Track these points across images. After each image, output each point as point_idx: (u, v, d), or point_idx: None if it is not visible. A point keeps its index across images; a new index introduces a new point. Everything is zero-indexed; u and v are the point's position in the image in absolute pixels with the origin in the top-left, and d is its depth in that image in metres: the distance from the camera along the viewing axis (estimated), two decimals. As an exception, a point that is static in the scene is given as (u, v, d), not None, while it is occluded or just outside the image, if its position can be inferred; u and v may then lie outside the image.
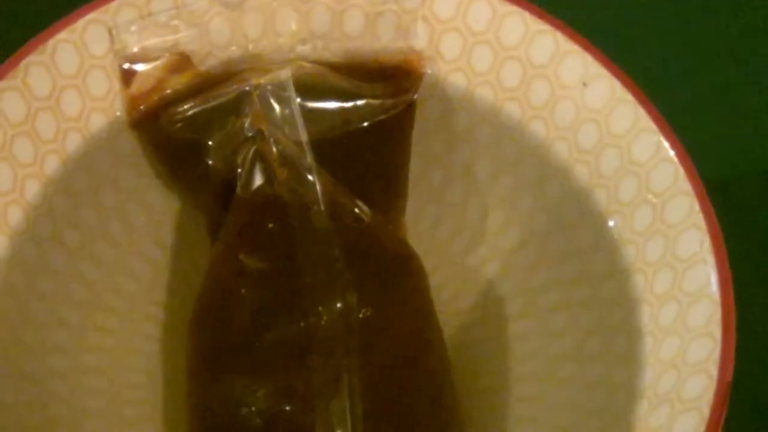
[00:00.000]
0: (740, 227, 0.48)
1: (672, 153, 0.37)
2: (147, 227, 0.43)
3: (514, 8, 0.40)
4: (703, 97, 0.55)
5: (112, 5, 0.39)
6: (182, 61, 0.40)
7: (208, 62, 0.41)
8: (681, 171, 0.36)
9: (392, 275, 0.40)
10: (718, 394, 0.33)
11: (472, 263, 0.44)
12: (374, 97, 0.40)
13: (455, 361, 0.41)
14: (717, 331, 0.34)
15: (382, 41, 0.41)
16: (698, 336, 0.34)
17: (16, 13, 0.54)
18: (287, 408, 0.38)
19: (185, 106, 0.40)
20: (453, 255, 0.44)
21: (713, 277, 0.35)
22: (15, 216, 0.37)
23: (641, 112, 0.38)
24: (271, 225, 0.39)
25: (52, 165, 0.38)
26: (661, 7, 0.58)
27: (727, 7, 0.58)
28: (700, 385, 0.33)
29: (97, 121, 0.39)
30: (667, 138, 0.37)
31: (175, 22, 0.40)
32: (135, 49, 0.40)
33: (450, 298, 0.44)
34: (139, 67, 0.40)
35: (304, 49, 0.41)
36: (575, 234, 0.40)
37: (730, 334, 0.33)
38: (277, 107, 0.39)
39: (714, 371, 0.33)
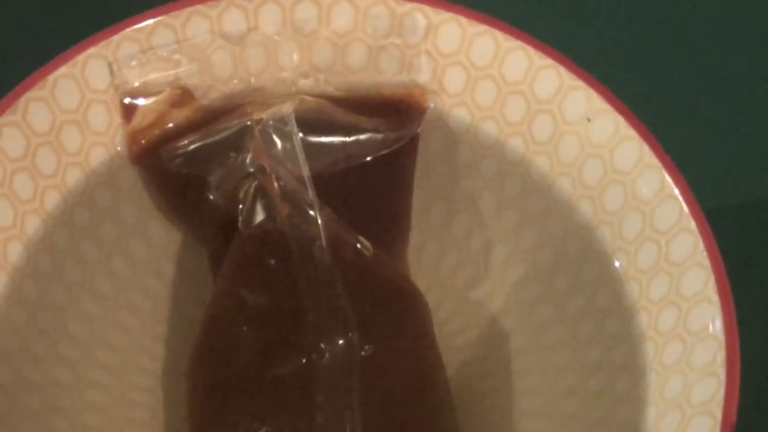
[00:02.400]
0: (743, 258, 0.48)
1: (676, 191, 0.36)
2: (148, 262, 0.43)
3: (518, 43, 0.39)
4: (704, 126, 0.55)
5: (113, 39, 0.39)
6: (184, 95, 0.40)
7: (210, 96, 0.41)
8: (685, 209, 0.36)
9: (395, 312, 0.39)
10: (723, 436, 0.32)
11: (475, 298, 0.44)
12: (377, 131, 0.40)
13: (458, 397, 0.41)
14: (721, 371, 0.33)
15: (385, 75, 0.41)
16: (702, 376, 0.34)
17: (17, 48, 0.54)
18: (289, 447, 0.37)
19: (186, 141, 0.39)
20: (456, 289, 0.44)
21: (718, 317, 0.34)
22: (15, 252, 0.37)
23: (645, 149, 0.37)
24: (272, 261, 0.38)
25: (52, 200, 0.38)
26: (660, 36, 0.58)
27: (729, 37, 0.58)
28: (704, 427, 0.33)
29: (98, 156, 0.39)
30: (671, 175, 0.37)
31: (177, 56, 0.40)
32: (136, 84, 0.39)
33: (453, 333, 0.44)
34: (140, 101, 0.40)
35: (306, 83, 0.41)
36: (579, 270, 0.39)
37: (735, 375, 0.33)
38: (278, 142, 0.39)
39: (718, 413, 0.32)
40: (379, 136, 0.40)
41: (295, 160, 0.39)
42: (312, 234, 0.38)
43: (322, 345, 0.38)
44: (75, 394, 0.40)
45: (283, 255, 0.38)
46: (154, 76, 0.40)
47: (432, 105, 0.41)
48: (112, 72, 0.39)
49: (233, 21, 0.40)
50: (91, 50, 0.39)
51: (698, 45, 0.58)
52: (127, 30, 0.39)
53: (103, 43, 0.39)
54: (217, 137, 0.39)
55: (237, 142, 0.39)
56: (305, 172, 0.39)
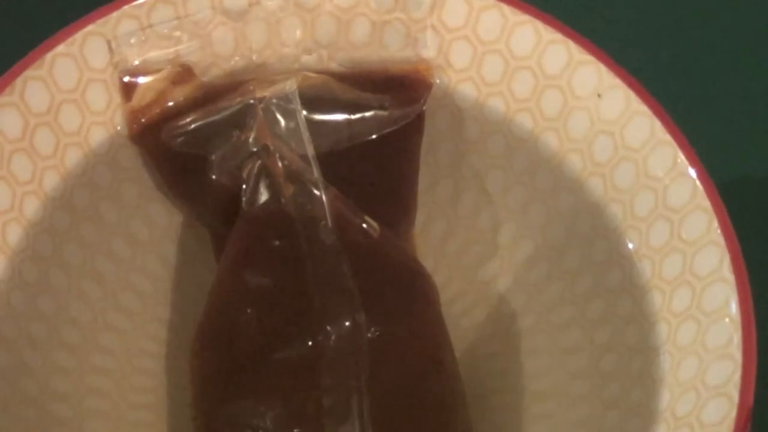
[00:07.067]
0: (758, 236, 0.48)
1: (690, 168, 0.36)
2: (150, 243, 0.42)
3: (526, 17, 0.38)
4: (711, 98, 0.54)
5: (112, 17, 0.38)
6: (184, 73, 0.39)
7: (211, 73, 0.40)
8: (699, 186, 0.35)
9: (402, 293, 0.39)
10: (740, 419, 0.32)
11: (483, 277, 0.43)
12: (382, 108, 0.39)
13: (467, 378, 0.40)
14: (737, 353, 0.33)
15: (390, 50, 0.40)
16: (718, 357, 0.33)
17: (14, 25, 0.53)
18: (296, 431, 0.37)
19: (187, 120, 0.39)
20: (464, 268, 0.43)
21: (733, 297, 0.33)
22: (14, 235, 0.36)
23: (657, 125, 0.37)
24: (277, 241, 0.38)
25: (51, 181, 0.37)
26: (672, 9, 0.57)
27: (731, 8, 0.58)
28: (720, 410, 0.32)
29: (98, 136, 0.39)
30: (684, 151, 0.36)
31: (177, 33, 0.39)
32: (136, 62, 0.39)
33: (461, 312, 0.43)
34: (140, 79, 0.39)
35: (309, 59, 0.40)
36: (589, 248, 0.39)
37: (751, 356, 0.33)
38: (282, 121, 0.38)
39: (735, 395, 0.32)
40: (385, 113, 0.39)
41: (300, 139, 0.38)
42: (317, 214, 0.38)
43: (329, 327, 0.37)
44: (76, 378, 0.39)
45: (287, 236, 0.38)
46: (154, 53, 0.39)
47: (438, 81, 0.40)
48: (111, 50, 0.38)
49: (234, -4, 0.40)
50: (90, 28, 0.38)
51: (712, 18, 0.57)
52: (126, 7, 0.38)
53: (101, 21, 0.38)
54: (219, 116, 0.38)
55: (240, 120, 0.38)
56: (310, 150, 0.38)
